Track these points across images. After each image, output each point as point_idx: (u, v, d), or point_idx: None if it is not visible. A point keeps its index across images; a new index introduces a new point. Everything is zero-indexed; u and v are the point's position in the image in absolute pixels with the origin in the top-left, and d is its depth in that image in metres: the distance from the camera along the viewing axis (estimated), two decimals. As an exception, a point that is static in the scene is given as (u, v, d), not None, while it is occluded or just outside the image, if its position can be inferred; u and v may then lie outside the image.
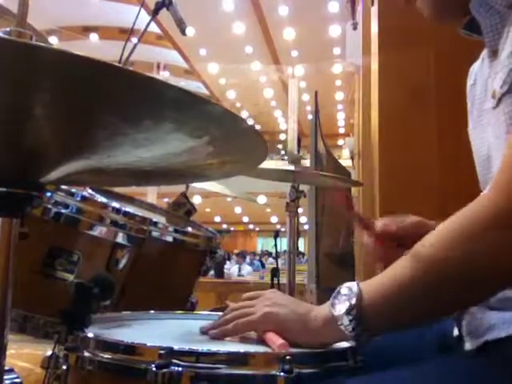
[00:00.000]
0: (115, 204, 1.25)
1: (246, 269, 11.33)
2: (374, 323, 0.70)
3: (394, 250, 0.97)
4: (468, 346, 0.78)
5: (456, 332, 0.83)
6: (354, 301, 0.70)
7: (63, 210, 1.17)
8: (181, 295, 1.43)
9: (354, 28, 3.81)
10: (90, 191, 1.27)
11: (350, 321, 0.69)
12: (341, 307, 0.71)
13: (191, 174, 0.83)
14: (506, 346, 0.71)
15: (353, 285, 0.72)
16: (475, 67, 0.96)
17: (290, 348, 0.72)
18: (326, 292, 3.19)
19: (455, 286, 0.67)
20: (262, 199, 14.32)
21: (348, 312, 0.70)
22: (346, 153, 9.20)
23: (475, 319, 0.77)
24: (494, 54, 0.78)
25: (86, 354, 0.71)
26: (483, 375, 0.68)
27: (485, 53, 0.91)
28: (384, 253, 0.99)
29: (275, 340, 0.73)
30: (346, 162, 5.38)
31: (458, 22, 0.85)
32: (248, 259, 13.32)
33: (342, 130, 17.71)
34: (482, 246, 0.65)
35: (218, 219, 21.03)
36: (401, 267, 0.70)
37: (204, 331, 0.83)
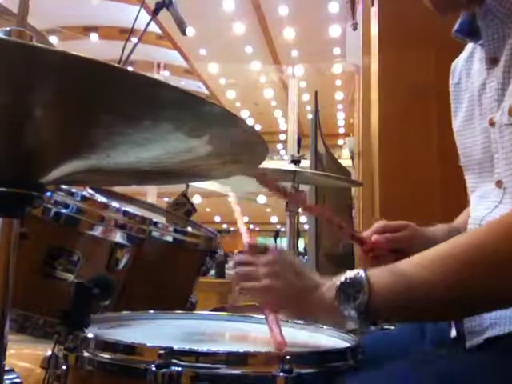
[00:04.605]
0: (115, 204, 1.24)
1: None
2: (379, 314, 0.71)
3: (389, 258, 0.97)
4: (469, 344, 0.78)
5: (454, 333, 0.83)
6: (361, 295, 0.70)
7: (63, 210, 1.17)
8: (181, 295, 1.43)
9: (354, 28, 3.81)
10: (89, 191, 1.27)
11: (354, 309, 0.70)
12: (349, 300, 0.71)
13: (191, 173, 0.83)
14: (507, 343, 0.71)
15: (360, 277, 0.71)
16: (458, 66, 0.97)
17: (288, 346, 0.72)
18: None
19: (469, 297, 0.67)
20: (261, 199, 14.31)
21: (355, 304, 0.70)
22: (345, 153, 9.19)
23: (476, 317, 0.77)
24: (492, 61, 0.80)
25: (86, 354, 0.71)
26: (484, 372, 0.68)
27: (470, 53, 0.92)
28: (378, 263, 0.99)
29: (275, 335, 0.73)
30: (346, 161, 5.38)
31: (460, 13, 0.86)
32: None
33: (341, 130, 17.70)
34: (504, 263, 0.65)
35: (218, 219, 21.01)
36: (413, 266, 0.70)
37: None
